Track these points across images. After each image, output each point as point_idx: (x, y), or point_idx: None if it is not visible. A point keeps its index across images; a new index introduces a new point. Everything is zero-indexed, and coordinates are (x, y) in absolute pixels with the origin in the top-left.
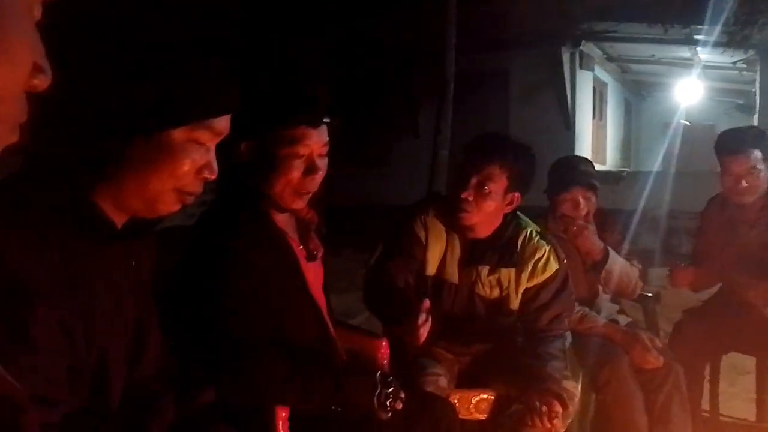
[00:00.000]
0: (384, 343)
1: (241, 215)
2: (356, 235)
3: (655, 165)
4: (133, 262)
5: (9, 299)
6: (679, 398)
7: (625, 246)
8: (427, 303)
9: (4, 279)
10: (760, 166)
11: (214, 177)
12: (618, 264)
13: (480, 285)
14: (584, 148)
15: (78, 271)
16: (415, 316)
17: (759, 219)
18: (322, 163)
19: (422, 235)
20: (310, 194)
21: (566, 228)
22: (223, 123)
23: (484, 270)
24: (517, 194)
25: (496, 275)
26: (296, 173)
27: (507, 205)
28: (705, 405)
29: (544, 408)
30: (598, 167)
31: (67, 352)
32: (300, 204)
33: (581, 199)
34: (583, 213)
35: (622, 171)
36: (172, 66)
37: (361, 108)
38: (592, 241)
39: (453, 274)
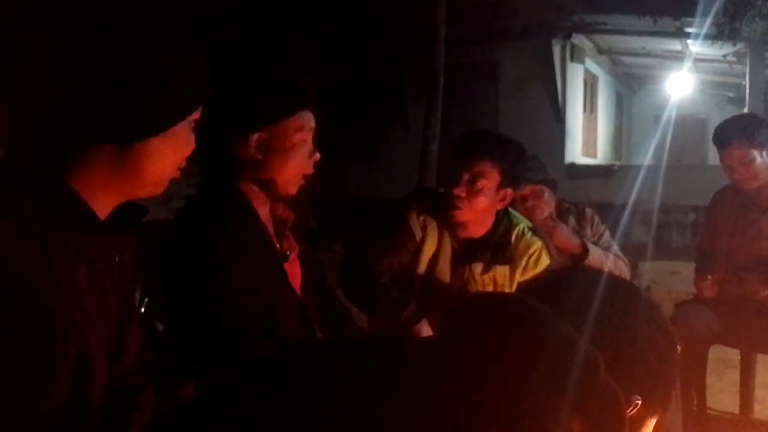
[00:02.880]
0: None
1: (225, 208)
2: (346, 230)
3: (647, 158)
4: (117, 257)
5: None
6: (673, 393)
7: (616, 239)
8: (414, 307)
9: None
10: (755, 153)
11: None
12: (597, 258)
13: (473, 283)
14: (574, 140)
15: (60, 263)
16: (405, 317)
17: None
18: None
19: (417, 231)
20: (304, 179)
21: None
22: (197, 114)
23: (478, 268)
24: (509, 190)
25: (491, 273)
26: (305, 157)
27: (500, 201)
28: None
29: None
30: (589, 160)
31: (47, 344)
32: (296, 190)
33: (530, 198)
34: (538, 212)
35: (613, 164)
36: (151, 75)
37: (351, 100)
38: (566, 237)
39: (444, 273)
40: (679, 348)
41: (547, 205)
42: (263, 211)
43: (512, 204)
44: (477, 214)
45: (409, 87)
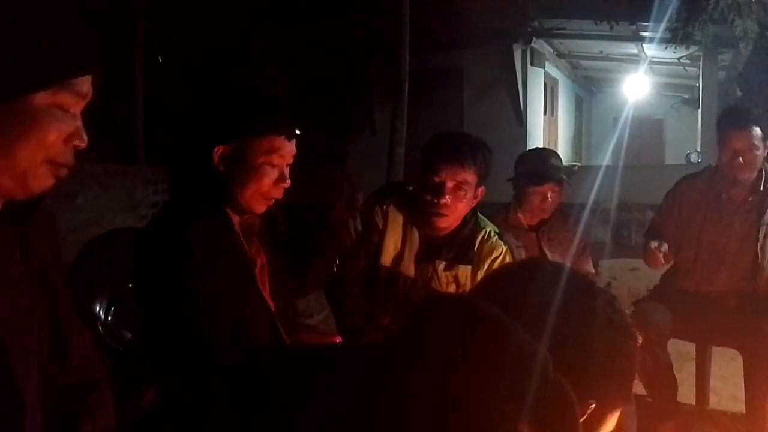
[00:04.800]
0: (338, 341)
1: (199, 215)
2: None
3: (606, 159)
4: (19, 251)
5: None
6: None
7: (578, 238)
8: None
9: None
10: (759, 143)
11: (84, 145)
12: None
13: (436, 280)
14: (536, 143)
15: None
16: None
17: (746, 201)
18: (287, 173)
19: (380, 222)
20: (273, 200)
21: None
22: (86, 85)
23: (441, 265)
24: (482, 188)
25: (453, 272)
26: (268, 181)
27: (473, 199)
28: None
29: None
30: None
31: None
32: (263, 209)
33: (550, 194)
34: (551, 207)
35: (574, 165)
36: (25, 26)
37: (318, 105)
38: (588, 268)
39: (409, 268)
40: (639, 340)
41: (559, 199)
42: (236, 219)
43: (531, 199)
44: (458, 217)
45: (376, 92)
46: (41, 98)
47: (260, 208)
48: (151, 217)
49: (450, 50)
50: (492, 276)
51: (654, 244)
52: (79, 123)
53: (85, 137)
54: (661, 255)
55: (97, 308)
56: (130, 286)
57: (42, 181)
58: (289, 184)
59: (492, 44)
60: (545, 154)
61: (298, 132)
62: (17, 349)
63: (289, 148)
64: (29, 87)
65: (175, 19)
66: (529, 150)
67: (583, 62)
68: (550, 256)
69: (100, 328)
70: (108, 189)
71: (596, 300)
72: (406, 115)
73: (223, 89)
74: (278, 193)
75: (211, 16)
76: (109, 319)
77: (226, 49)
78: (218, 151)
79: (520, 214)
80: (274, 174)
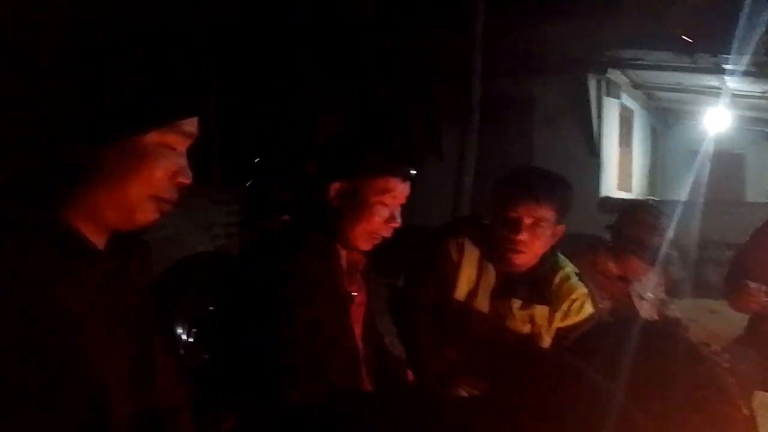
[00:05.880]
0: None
1: (309, 246)
2: (377, 258)
3: (683, 194)
4: (119, 281)
5: None
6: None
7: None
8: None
9: None
10: None
11: (188, 182)
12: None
13: (511, 318)
14: (610, 175)
15: (58, 299)
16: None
17: None
18: (400, 213)
19: (455, 255)
20: (381, 239)
21: None
22: (192, 126)
23: (517, 304)
24: (561, 227)
25: (529, 311)
26: (378, 219)
27: (552, 237)
28: None
29: None
30: (624, 195)
31: (53, 381)
32: (369, 246)
33: None
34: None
35: (649, 199)
36: (141, 71)
37: (385, 129)
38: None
39: (483, 304)
40: (745, 412)
41: None
42: (343, 253)
43: (634, 267)
44: (536, 255)
45: (443, 117)
46: (151, 138)
47: (366, 245)
48: (257, 241)
49: (520, 77)
50: (585, 334)
51: (753, 285)
52: (184, 161)
53: (189, 174)
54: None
55: (179, 330)
56: (210, 308)
57: (147, 215)
58: (399, 224)
59: (565, 73)
60: (663, 223)
61: (413, 172)
62: (113, 377)
63: (403, 189)
64: (142, 128)
65: (247, 42)
66: (645, 207)
67: (660, 93)
68: (638, 307)
69: (181, 350)
70: (184, 208)
71: (698, 368)
72: (476, 144)
73: (339, 122)
74: (387, 232)
75: (281, 35)
76: (190, 340)
77: (293, 68)
78: (335, 187)
79: (611, 264)
80: (385, 213)
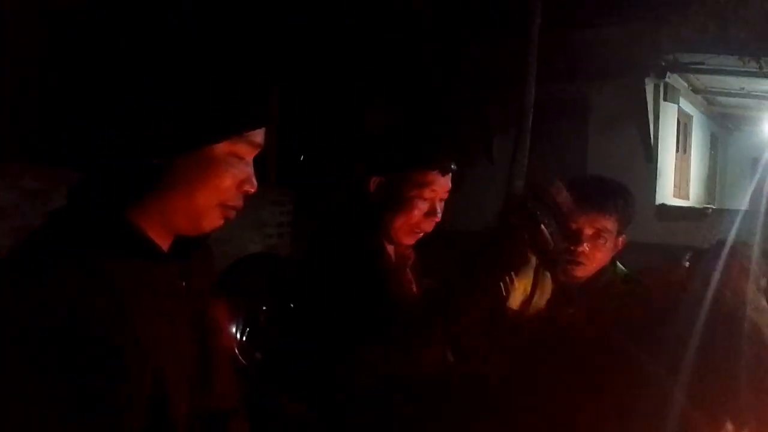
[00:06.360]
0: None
1: (356, 245)
2: (426, 260)
3: (743, 202)
4: (183, 284)
5: (67, 341)
6: None
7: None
8: None
9: (62, 326)
10: None
11: (254, 190)
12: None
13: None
14: (667, 182)
15: (126, 297)
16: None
17: None
18: (442, 207)
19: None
20: (423, 233)
21: None
22: (260, 136)
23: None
24: (623, 238)
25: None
26: (418, 213)
27: (614, 248)
28: None
29: None
30: (681, 202)
31: (122, 381)
32: (411, 241)
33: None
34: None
35: (707, 207)
36: (214, 84)
37: (433, 128)
38: None
39: (539, 313)
40: None
41: None
42: (391, 249)
43: None
44: (598, 267)
45: (496, 121)
46: (221, 148)
47: (408, 240)
48: (308, 242)
49: (576, 81)
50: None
51: None
52: (250, 170)
53: (255, 183)
54: None
55: (234, 330)
56: (264, 308)
57: (213, 221)
58: (439, 219)
59: (622, 76)
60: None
61: (454, 167)
62: (174, 379)
63: (443, 183)
64: (213, 139)
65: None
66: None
67: (721, 98)
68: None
69: (236, 350)
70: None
71: (741, 329)
72: (528, 148)
73: (377, 120)
74: (428, 226)
75: (336, 37)
76: (244, 338)
77: (345, 71)
78: (375, 181)
79: None
80: (424, 207)
